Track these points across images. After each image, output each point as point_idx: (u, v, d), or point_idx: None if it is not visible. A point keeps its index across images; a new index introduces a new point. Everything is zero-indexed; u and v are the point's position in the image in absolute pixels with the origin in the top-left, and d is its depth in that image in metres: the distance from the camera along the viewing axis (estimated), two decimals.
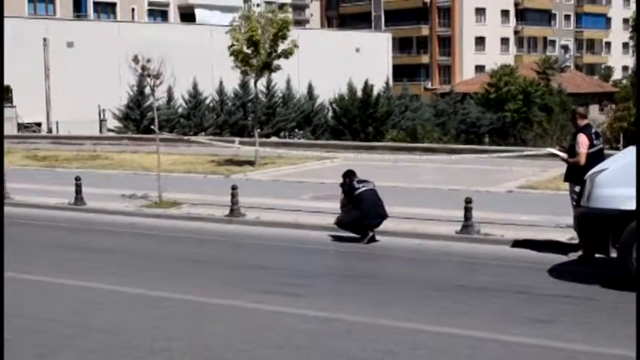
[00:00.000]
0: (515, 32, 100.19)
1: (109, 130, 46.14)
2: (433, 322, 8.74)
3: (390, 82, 60.67)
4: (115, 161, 27.36)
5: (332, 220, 15.07)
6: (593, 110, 63.73)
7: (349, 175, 14.25)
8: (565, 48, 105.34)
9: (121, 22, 60.03)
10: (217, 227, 15.56)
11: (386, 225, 14.04)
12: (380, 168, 23.16)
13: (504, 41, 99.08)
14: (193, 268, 12.07)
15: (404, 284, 10.89)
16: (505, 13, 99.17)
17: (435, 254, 12.84)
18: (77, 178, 17.98)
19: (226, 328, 8.67)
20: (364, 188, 13.83)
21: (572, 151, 12.54)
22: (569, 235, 12.90)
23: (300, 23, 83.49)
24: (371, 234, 13.64)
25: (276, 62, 25.82)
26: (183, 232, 15.19)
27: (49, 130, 47.12)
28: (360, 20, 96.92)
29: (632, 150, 11.08)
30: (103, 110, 47.09)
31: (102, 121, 47.07)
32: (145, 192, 18.75)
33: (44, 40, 49.38)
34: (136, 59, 17.77)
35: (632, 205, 9.99)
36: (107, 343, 8.09)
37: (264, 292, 10.27)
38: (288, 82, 50.23)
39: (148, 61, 17.68)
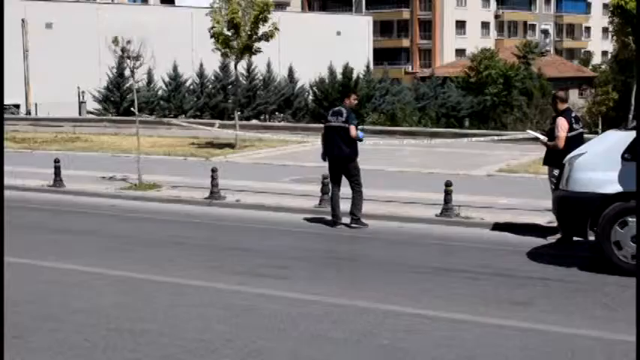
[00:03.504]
0: (496, 16, 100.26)
1: (89, 112, 45.90)
2: (412, 305, 8.78)
3: (371, 66, 60.61)
4: (94, 143, 27.27)
5: (312, 203, 15.11)
6: (573, 95, 63.95)
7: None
8: (545, 32, 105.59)
9: (100, 3, 59.61)
10: (197, 209, 15.55)
11: (366, 208, 14.07)
12: (361, 151, 23.16)
13: (485, 25, 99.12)
14: (173, 250, 12.05)
15: (384, 267, 10.93)
16: None
17: (415, 237, 12.88)
18: (56, 160, 17.92)
19: (206, 310, 8.67)
20: (329, 124, 13.72)
21: (551, 134, 12.60)
22: (548, 218, 13.00)
23: (281, 6, 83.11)
24: (354, 225, 13.56)
25: (256, 45, 25.77)
26: (162, 214, 15.17)
27: (28, 112, 46.83)
28: (340, 3, 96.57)
29: (610, 134, 11.17)
30: (83, 92, 46.83)
31: (81, 103, 46.82)
32: (125, 174, 18.71)
33: (22, 21, 48.97)
34: (115, 41, 17.69)
35: (610, 189, 10.08)
36: (86, 325, 8.08)
37: (243, 275, 10.28)
38: (268, 65, 50.11)
39: (128, 42, 17.61)
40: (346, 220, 13.69)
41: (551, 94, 14.34)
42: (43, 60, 48.37)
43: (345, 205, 13.69)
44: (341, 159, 13.56)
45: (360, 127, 14.05)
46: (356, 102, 14.09)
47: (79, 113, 45.15)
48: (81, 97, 46.95)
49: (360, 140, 13.68)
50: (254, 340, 7.63)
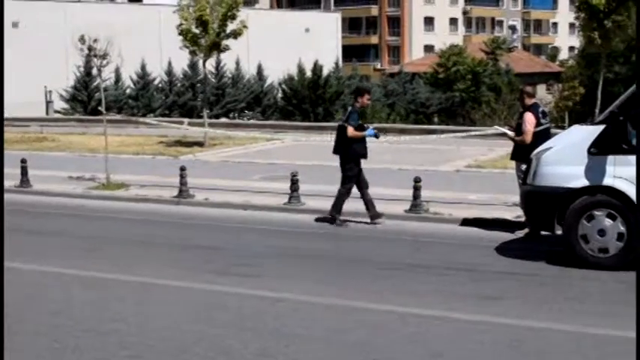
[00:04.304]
0: (464, 13, 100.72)
1: (56, 111, 45.48)
2: (381, 301, 8.81)
3: (340, 63, 60.61)
4: (61, 143, 27.05)
5: (282, 201, 15.07)
6: (540, 90, 64.40)
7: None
8: (513, 28, 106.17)
9: (67, 2, 59.13)
10: (166, 208, 15.49)
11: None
12: (330, 148, 23.14)
13: (453, 21, 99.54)
14: (142, 249, 12.00)
15: (353, 263, 10.95)
16: None
17: (384, 233, 12.91)
18: (23, 160, 17.75)
19: (175, 309, 8.65)
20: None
21: (519, 129, 12.68)
22: (516, 213, 13.08)
23: (250, 3, 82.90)
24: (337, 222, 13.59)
25: (225, 42, 25.69)
26: (131, 213, 15.09)
27: None
28: (309, 0, 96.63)
29: (577, 129, 11.26)
30: (50, 91, 46.41)
31: (48, 103, 46.39)
32: (93, 174, 18.57)
33: None
34: (82, 39, 17.55)
35: (576, 183, 10.18)
36: (56, 325, 8.03)
37: (213, 273, 10.26)
38: (237, 62, 49.93)
39: (95, 41, 17.48)
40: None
41: (519, 89, 14.40)
42: (9, 59, 47.63)
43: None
44: (339, 157, 13.67)
45: (371, 125, 14.18)
46: (369, 102, 14.21)
47: (47, 113, 44.74)
48: (48, 97, 46.52)
49: (376, 137, 13.84)
50: (223, 338, 7.62)
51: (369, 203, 13.56)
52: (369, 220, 13.53)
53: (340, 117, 14.06)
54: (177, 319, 8.25)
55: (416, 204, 13.93)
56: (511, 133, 12.97)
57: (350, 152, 13.48)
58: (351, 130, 13.37)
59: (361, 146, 13.55)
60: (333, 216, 13.51)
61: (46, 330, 7.91)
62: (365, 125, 13.95)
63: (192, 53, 27.45)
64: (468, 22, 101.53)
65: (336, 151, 13.70)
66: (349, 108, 13.83)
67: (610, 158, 9.98)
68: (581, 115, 36.57)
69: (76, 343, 7.50)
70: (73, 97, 45.99)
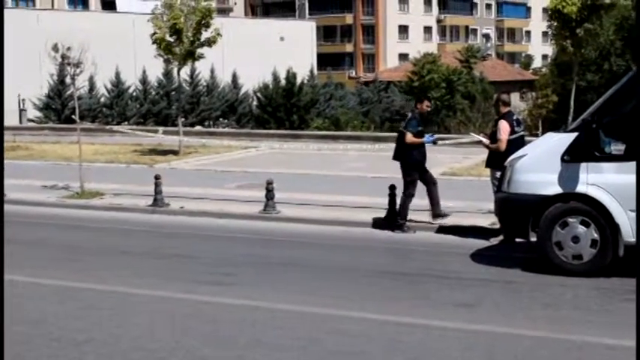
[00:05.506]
0: (438, 21, 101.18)
1: (29, 120, 45.21)
2: (358, 309, 8.81)
3: (315, 71, 60.67)
4: (35, 152, 26.85)
5: (257, 209, 15.05)
6: (514, 98, 64.73)
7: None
8: (486, 37, 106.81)
9: (40, 10, 58.85)
10: (141, 217, 15.42)
11: (311, 213, 14.04)
12: (305, 156, 23.24)
13: (427, 30, 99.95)
14: (117, 258, 11.94)
15: (330, 271, 10.95)
16: (428, 2, 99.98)
17: (361, 241, 12.93)
18: None
19: (151, 319, 8.60)
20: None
21: (494, 137, 12.76)
22: (491, 221, 13.13)
23: (224, 11, 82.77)
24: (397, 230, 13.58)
25: (199, 51, 25.64)
26: (106, 222, 15.01)
27: None
28: (284, 9, 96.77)
29: (550, 136, 11.35)
30: (23, 100, 46.07)
31: (22, 111, 46.05)
32: (67, 182, 18.45)
33: None
34: (55, 47, 17.45)
35: (550, 190, 10.25)
36: (30, 335, 7.96)
37: (189, 282, 10.22)
38: (212, 71, 49.87)
39: (68, 49, 17.39)
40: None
41: (495, 97, 14.51)
42: None
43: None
44: (400, 163, 13.74)
45: (430, 132, 14.28)
46: (429, 108, 14.30)
47: (20, 121, 44.40)
48: (21, 105, 46.19)
49: (434, 143, 14.08)
50: (199, 347, 7.59)
51: (433, 200, 13.70)
52: (431, 219, 13.65)
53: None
54: (153, 329, 8.21)
55: (392, 211, 13.94)
56: (486, 141, 13.06)
57: (408, 158, 13.56)
58: (409, 137, 13.48)
59: (420, 152, 13.65)
60: (401, 223, 13.49)
61: (20, 339, 7.83)
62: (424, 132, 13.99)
63: (167, 61, 27.38)
64: (442, 31, 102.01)
65: (395, 157, 13.81)
66: (409, 114, 13.92)
67: (583, 166, 10.07)
68: (554, 123, 36.84)
69: (51, 353, 7.45)
70: (47, 105, 45.73)
